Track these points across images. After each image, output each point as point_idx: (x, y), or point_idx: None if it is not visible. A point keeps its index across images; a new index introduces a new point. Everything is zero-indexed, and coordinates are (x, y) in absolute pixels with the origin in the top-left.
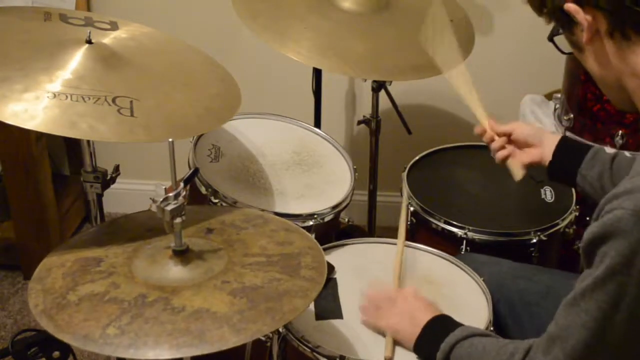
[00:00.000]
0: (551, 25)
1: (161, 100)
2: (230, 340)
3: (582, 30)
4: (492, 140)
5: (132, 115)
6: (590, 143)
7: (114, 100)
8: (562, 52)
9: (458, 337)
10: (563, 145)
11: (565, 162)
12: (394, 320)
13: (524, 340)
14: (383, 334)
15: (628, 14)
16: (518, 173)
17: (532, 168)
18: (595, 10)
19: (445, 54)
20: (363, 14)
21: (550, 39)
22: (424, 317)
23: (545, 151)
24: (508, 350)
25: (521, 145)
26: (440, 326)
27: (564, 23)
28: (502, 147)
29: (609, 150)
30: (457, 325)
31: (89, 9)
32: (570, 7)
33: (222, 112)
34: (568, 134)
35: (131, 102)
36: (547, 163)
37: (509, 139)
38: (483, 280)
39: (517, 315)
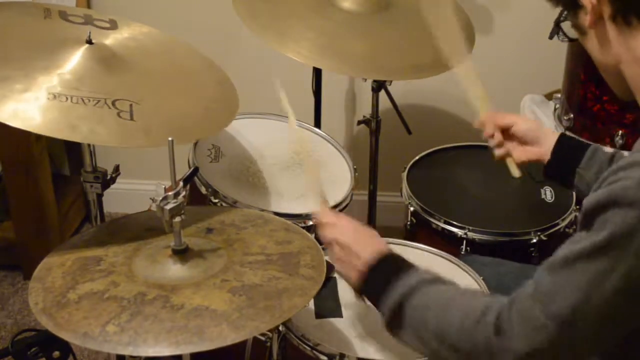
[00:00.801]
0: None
1: (161, 104)
2: (229, 337)
3: (587, 13)
4: (492, 135)
5: (131, 119)
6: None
7: (113, 103)
8: (569, 39)
9: (412, 285)
10: (561, 145)
11: (563, 163)
12: (337, 265)
13: (493, 295)
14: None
15: None
16: (515, 171)
17: (532, 168)
18: None
19: (453, 46)
20: (363, 14)
21: (557, 24)
22: (367, 255)
23: (543, 150)
24: (478, 306)
25: (520, 140)
26: (390, 269)
27: (569, 6)
28: (500, 144)
29: (608, 149)
30: (408, 266)
31: (88, 6)
32: None
33: (221, 117)
34: (568, 134)
35: (131, 105)
36: (545, 162)
37: (509, 132)
38: (482, 279)
39: None
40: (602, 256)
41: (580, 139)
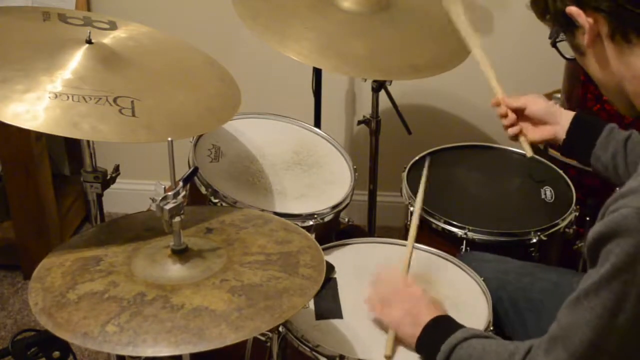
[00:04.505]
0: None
1: (162, 100)
2: (229, 338)
3: (584, 33)
4: (506, 115)
5: (133, 115)
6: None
7: (115, 100)
8: (565, 58)
9: (459, 339)
10: (577, 124)
11: (579, 142)
12: (397, 316)
13: (524, 340)
14: (384, 329)
15: (629, 16)
16: (529, 151)
17: (532, 168)
18: (596, 13)
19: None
20: (363, 14)
21: (554, 44)
22: (426, 317)
23: (558, 129)
24: (508, 350)
25: (535, 121)
26: (441, 327)
27: (566, 27)
28: (514, 124)
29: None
30: (458, 326)
31: (88, 9)
32: (572, 10)
33: (223, 112)
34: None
35: (132, 102)
36: (561, 141)
37: (523, 113)
38: (483, 280)
39: (520, 312)
40: (607, 289)
41: (596, 118)
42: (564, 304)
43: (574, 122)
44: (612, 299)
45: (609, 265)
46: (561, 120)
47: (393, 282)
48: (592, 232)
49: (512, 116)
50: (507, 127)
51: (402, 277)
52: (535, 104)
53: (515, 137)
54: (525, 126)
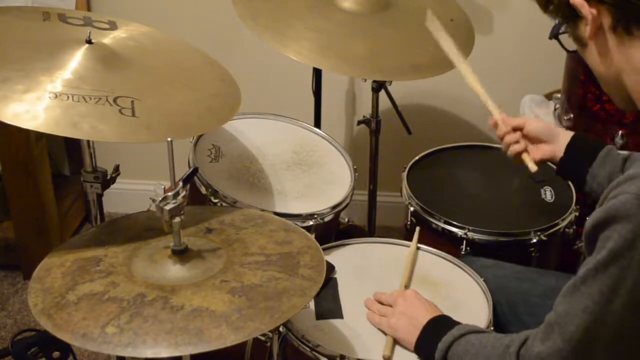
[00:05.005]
0: (551, 25)
1: (162, 100)
2: (229, 339)
3: (587, 24)
4: (506, 133)
5: (133, 115)
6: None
7: (115, 100)
8: (567, 50)
9: (455, 335)
10: (576, 143)
11: (576, 160)
12: (393, 321)
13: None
14: (384, 333)
15: (631, 9)
16: (533, 166)
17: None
18: (600, 5)
19: (451, 52)
20: (363, 14)
21: (556, 36)
22: (424, 318)
23: (557, 147)
24: (504, 342)
25: (532, 140)
26: (438, 326)
27: (569, 17)
28: (516, 142)
29: (622, 152)
30: (454, 324)
31: (88, 9)
32: (576, 0)
33: (223, 112)
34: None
35: (132, 102)
36: (558, 159)
37: (522, 133)
38: (484, 280)
39: (520, 317)
40: (604, 275)
41: (594, 140)
42: (561, 292)
43: (573, 140)
44: (609, 284)
45: (606, 250)
46: (560, 140)
47: (392, 295)
48: (591, 219)
49: (514, 135)
50: (508, 144)
51: (399, 288)
52: (533, 123)
53: (517, 156)
54: (526, 144)
